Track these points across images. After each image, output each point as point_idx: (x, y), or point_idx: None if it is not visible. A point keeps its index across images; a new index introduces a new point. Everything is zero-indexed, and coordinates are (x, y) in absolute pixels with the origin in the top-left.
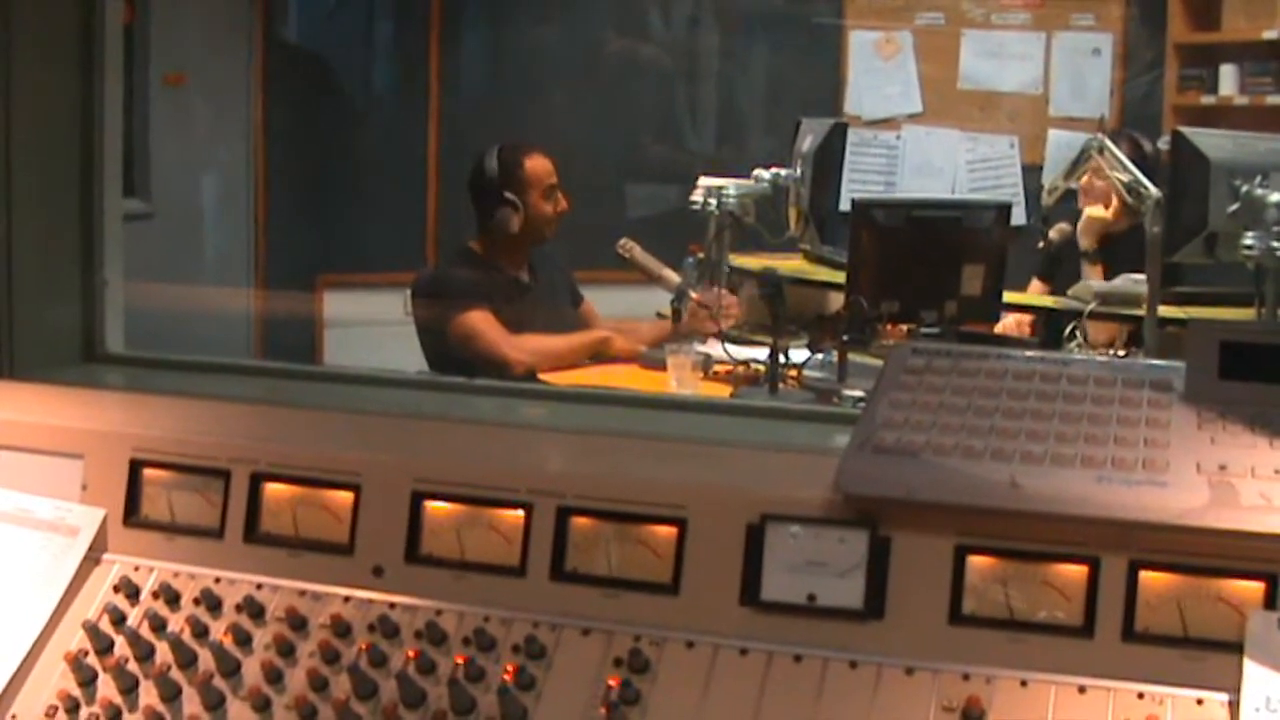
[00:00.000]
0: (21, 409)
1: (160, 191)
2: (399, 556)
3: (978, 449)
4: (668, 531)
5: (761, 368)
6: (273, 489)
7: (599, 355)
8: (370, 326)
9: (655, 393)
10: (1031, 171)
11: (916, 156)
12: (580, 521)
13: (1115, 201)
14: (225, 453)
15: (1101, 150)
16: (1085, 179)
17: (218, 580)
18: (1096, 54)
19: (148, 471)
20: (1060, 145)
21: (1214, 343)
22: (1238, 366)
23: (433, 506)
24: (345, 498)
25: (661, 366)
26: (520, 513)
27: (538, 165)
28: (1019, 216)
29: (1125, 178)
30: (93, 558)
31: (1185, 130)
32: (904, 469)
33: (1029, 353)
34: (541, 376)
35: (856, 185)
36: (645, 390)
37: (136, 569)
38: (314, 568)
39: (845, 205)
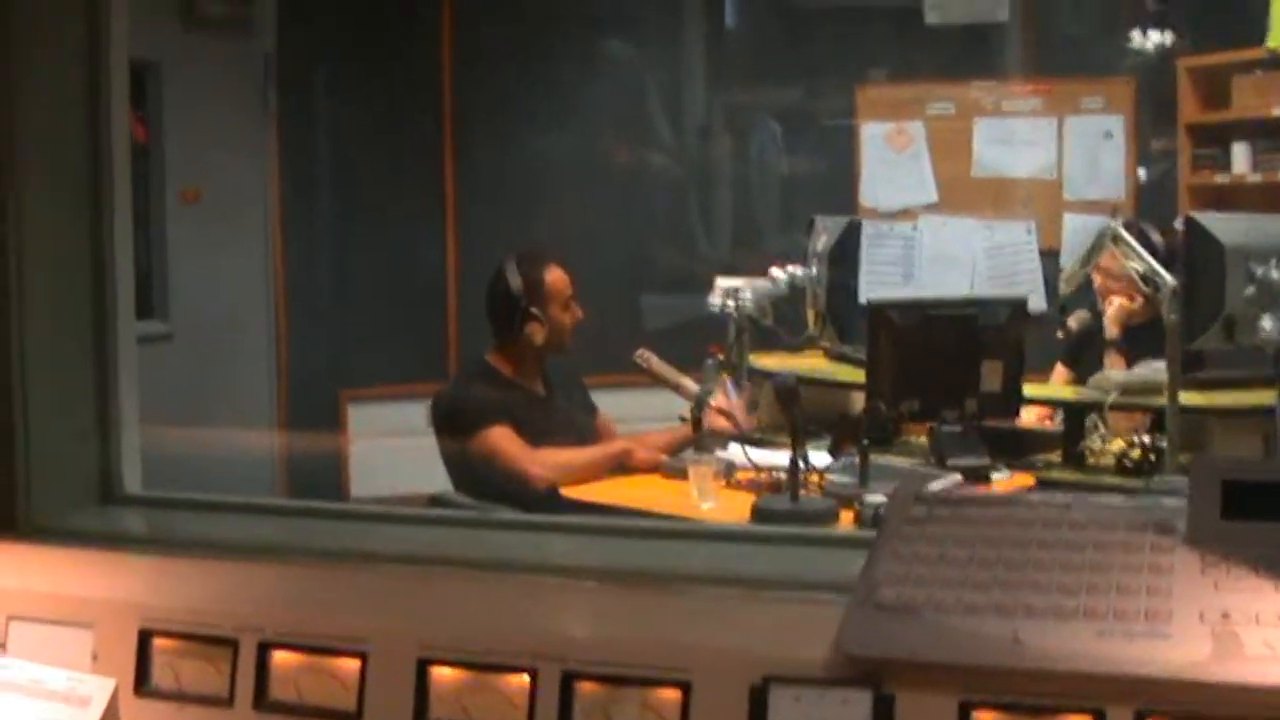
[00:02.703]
0: (32, 576)
1: (179, 311)
2: None
3: (980, 604)
4: (672, 695)
5: (783, 474)
6: (281, 657)
7: (620, 467)
8: (394, 438)
9: (666, 522)
10: (1049, 257)
11: (934, 246)
12: (585, 686)
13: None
14: (233, 621)
15: (1115, 240)
16: (1099, 278)
17: None
18: (1108, 136)
19: (157, 641)
20: (1077, 229)
21: (1216, 481)
22: (1241, 506)
23: (439, 673)
24: (352, 665)
25: (683, 476)
26: (525, 677)
27: (557, 277)
28: (1038, 302)
29: (1140, 267)
30: None
31: (1198, 215)
32: (905, 627)
33: (1032, 497)
34: (564, 490)
35: (874, 278)
36: (656, 518)
37: None
38: None
39: (864, 299)
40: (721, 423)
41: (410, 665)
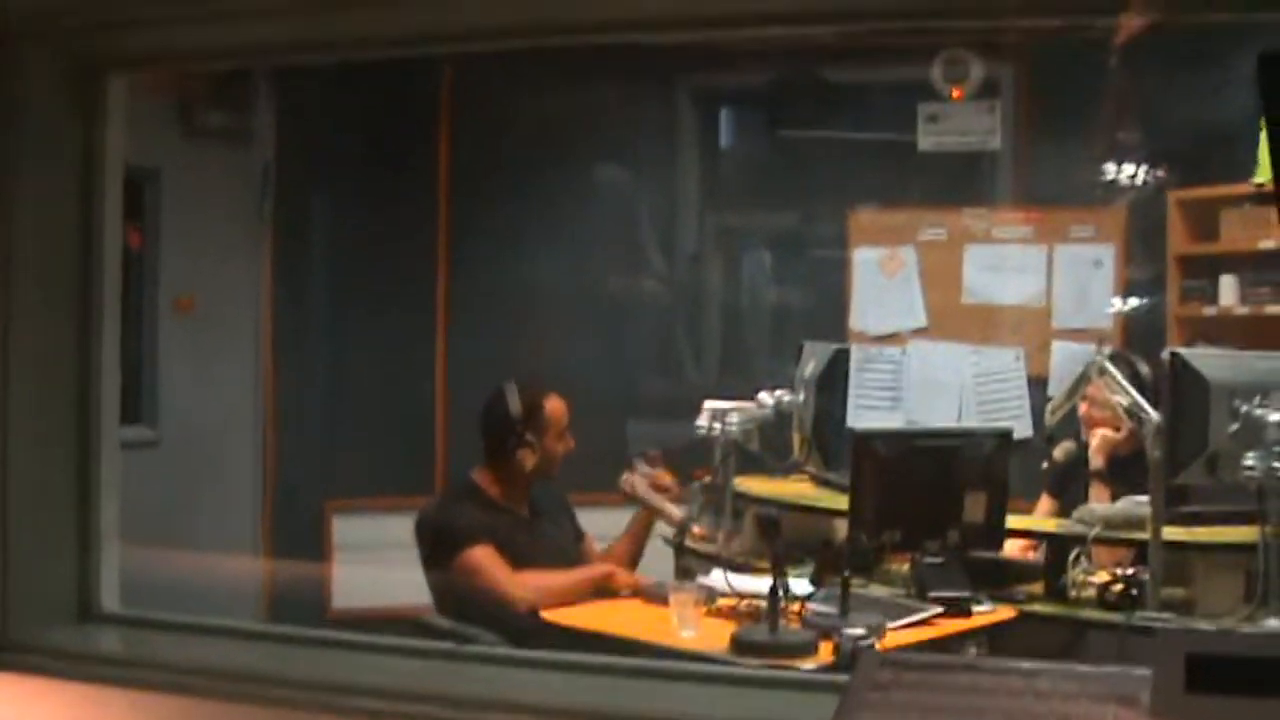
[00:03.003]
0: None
1: (167, 417)
2: None
3: None
4: None
5: (764, 602)
6: None
7: (602, 591)
8: (378, 550)
9: (643, 661)
10: (1037, 384)
11: (922, 371)
12: None
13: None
14: None
15: (1101, 373)
16: (1085, 403)
17: None
18: (1098, 265)
19: None
20: (1065, 357)
21: (1180, 654)
22: (1205, 680)
23: None
24: None
25: (664, 602)
26: None
27: (555, 408)
28: (1025, 429)
29: (1125, 401)
30: None
31: (1183, 351)
32: None
33: (998, 663)
34: (545, 614)
35: (862, 401)
36: (635, 647)
37: None
38: None
39: (851, 423)
40: (654, 497)
41: None
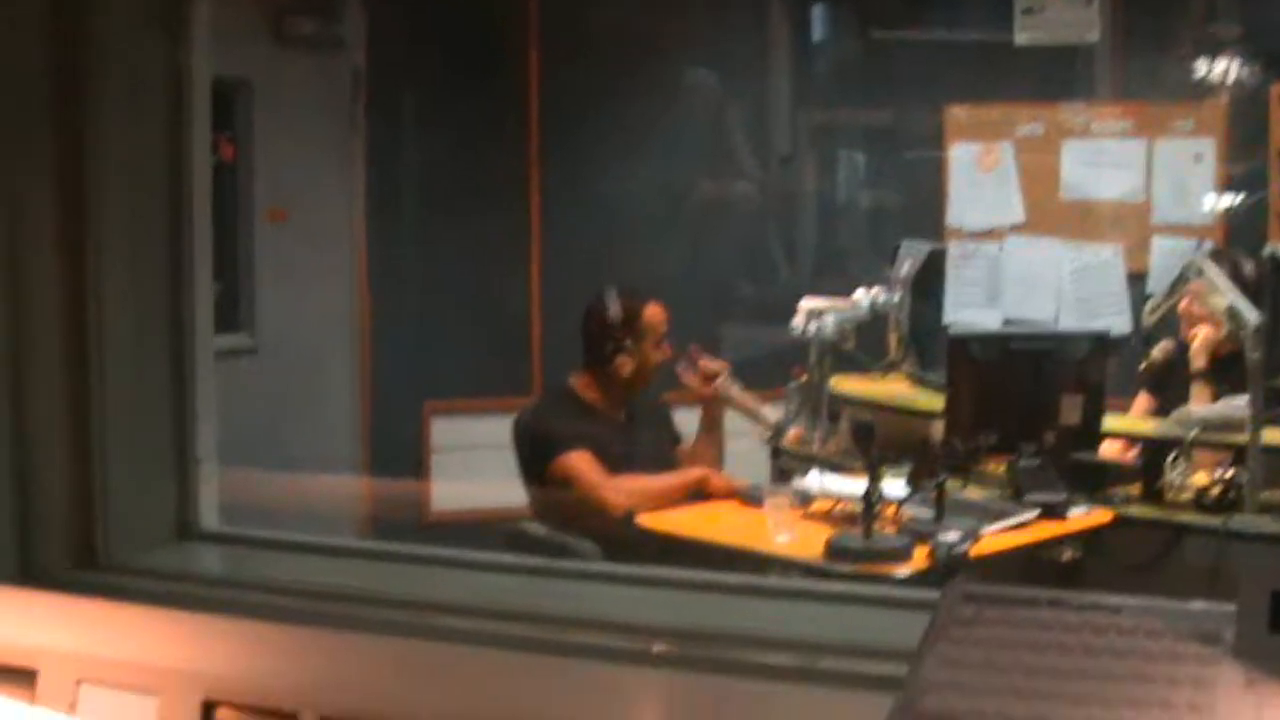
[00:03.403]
0: (102, 637)
1: (264, 325)
2: None
3: (1019, 717)
4: None
5: (858, 507)
6: None
7: (697, 494)
8: (477, 450)
9: (727, 576)
10: (1136, 280)
11: (1019, 267)
12: None
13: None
14: (294, 697)
15: (1200, 272)
16: (1185, 301)
17: None
18: (1198, 160)
19: (220, 712)
20: (1164, 253)
21: (1265, 591)
22: None
23: None
24: None
25: (759, 505)
26: None
27: (655, 315)
28: (1123, 325)
29: (1225, 301)
30: None
31: None
32: None
33: (1080, 598)
34: (640, 518)
35: (959, 298)
36: (726, 553)
37: None
38: None
39: (948, 319)
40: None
41: None
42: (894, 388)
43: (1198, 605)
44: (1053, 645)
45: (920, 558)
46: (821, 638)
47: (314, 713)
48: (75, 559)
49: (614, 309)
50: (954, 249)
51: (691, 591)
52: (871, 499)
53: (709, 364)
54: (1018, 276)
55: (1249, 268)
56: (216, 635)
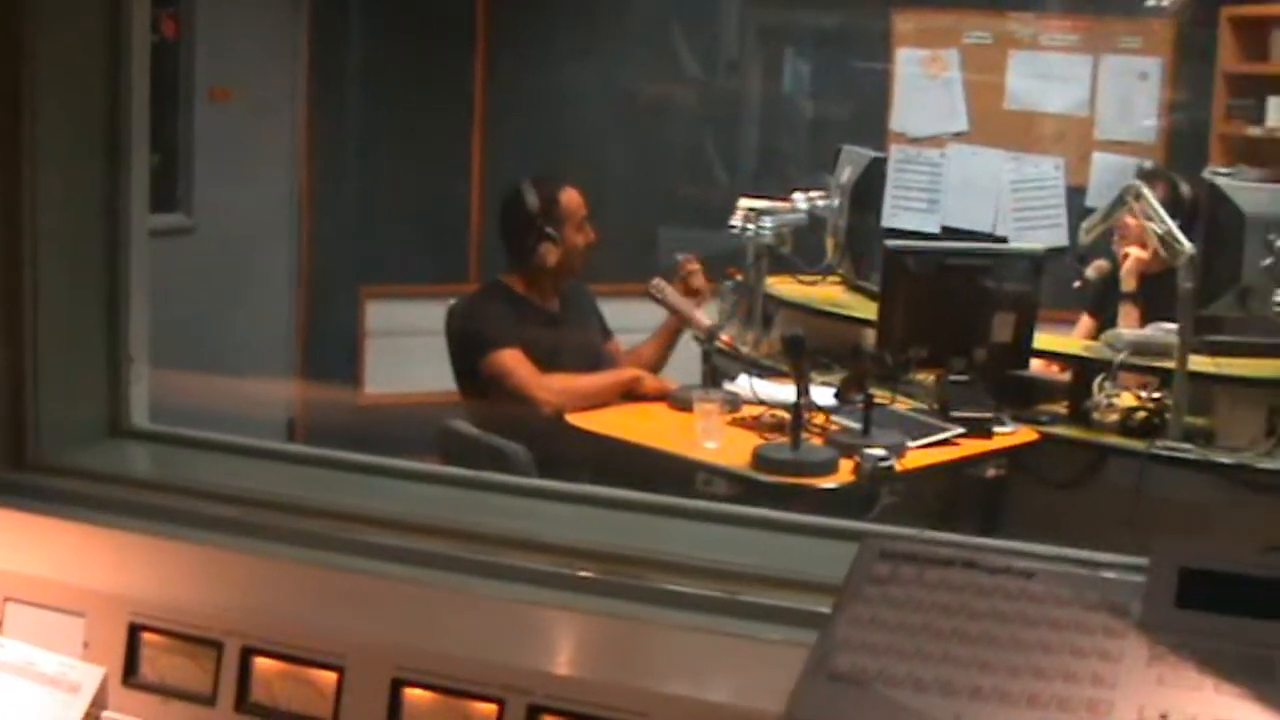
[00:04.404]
0: (29, 555)
1: (203, 205)
2: None
3: (928, 681)
4: None
5: (787, 414)
6: (262, 663)
7: (629, 394)
8: (412, 336)
9: (655, 497)
10: (1075, 193)
11: (960, 175)
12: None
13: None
14: (219, 624)
15: (1138, 197)
16: (1121, 222)
17: None
18: (1144, 78)
19: (146, 635)
20: (1105, 168)
21: (1174, 568)
22: (1196, 596)
23: (412, 694)
24: (330, 677)
25: (689, 408)
26: (494, 706)
27: (572, 199)
28: (1060, 238)
29: (1160, 228)
30: (93, 715)
31: (1221, 183)
32: (854, 702)
33: (998, 561)
34: (571, 417)
35: (899, 203)
36: (655, 455)
37: None
38: None
39: (886, 223)
40: (683, 302)
41: (385, 684)
42: (829, 292)
43: (1109, 575)
44: (964, 609)
45: (846, 471)
46: (748, 567)
47: (238, 642)
48: (3, 457)
49: (530, 198)
50: (896, 153)
51: (621, 512)
52: (800, 411)
53: (696, 279)
54: (958, 184)
55: (1186, 190)
56: (144, 554)
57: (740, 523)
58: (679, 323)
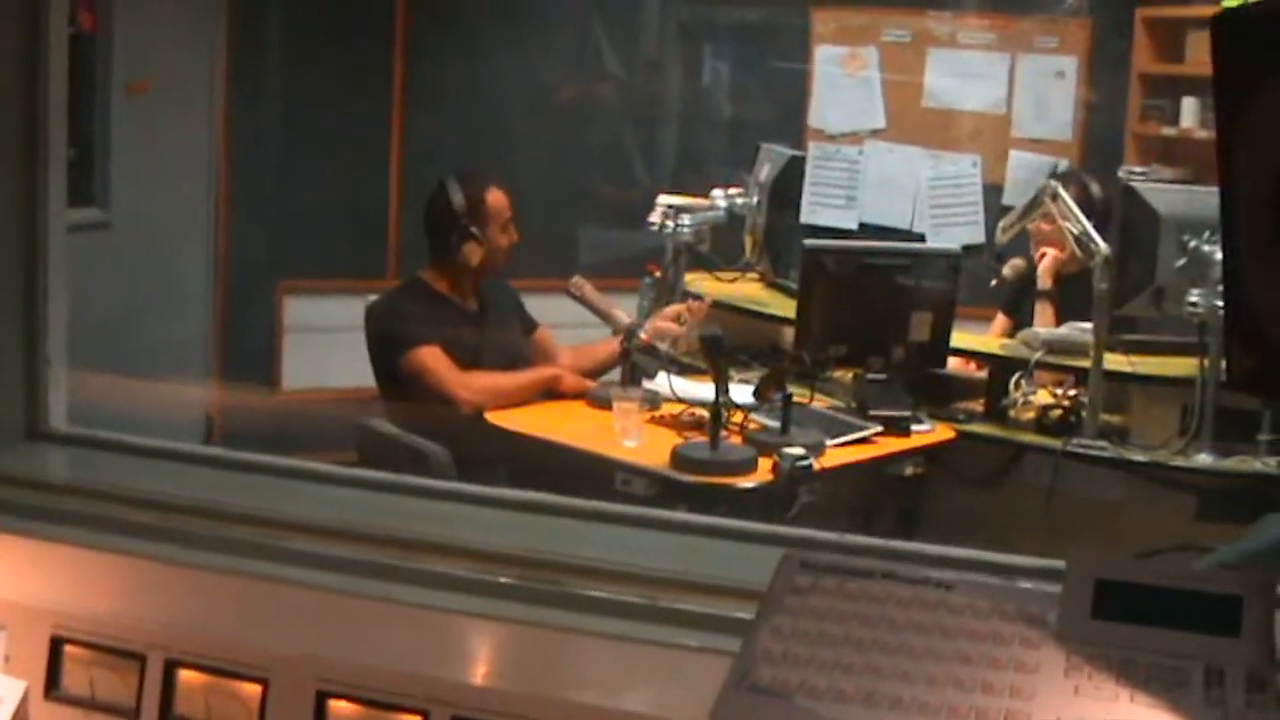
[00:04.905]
0: None
1: (120, 199)
2: None
3: (850, 692)
4: None
5: (706, 412)
6: (186, 676)
7: (549, 393)
8: (330, 332)
9: (577, 501)
10: (992, 191)
11: (878, 172)
12: None
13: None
14: (141, 637)
15: (1054, 198)
16: (1037, 222)
17: None
18: (1060, 77)
19: (68, 648)
20: (1022, 166)
21: (1089, 579)
22: (1112, 607)
23: (336, 705)
24: (254, 690)
25: (609, 406)
26: (418, 718)
27: (497, 198)
28: (977, 235)
29: (1076, 229)
30: None
31: (1137, 185)
32: (775, 715)
33: (916, 572)
34: (490, 416)
35: (818, 199)
36: (577, 455)
37: None
38: None
39: (804, 219)
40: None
41: (310, 696)
42: (747, 289)
43: (1025, 585)
44: (885, 620)
45: (766, 470)
46: (668, 572)
47: (161, 655)
48: None
49: (456, 196)
50: (814, 150)
51: (541, 515)
52: (720, 411)
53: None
54: (876, 181)
55: (1098, 190)
56: (65, 564)
57: (661, 526)
58: (618, 349)
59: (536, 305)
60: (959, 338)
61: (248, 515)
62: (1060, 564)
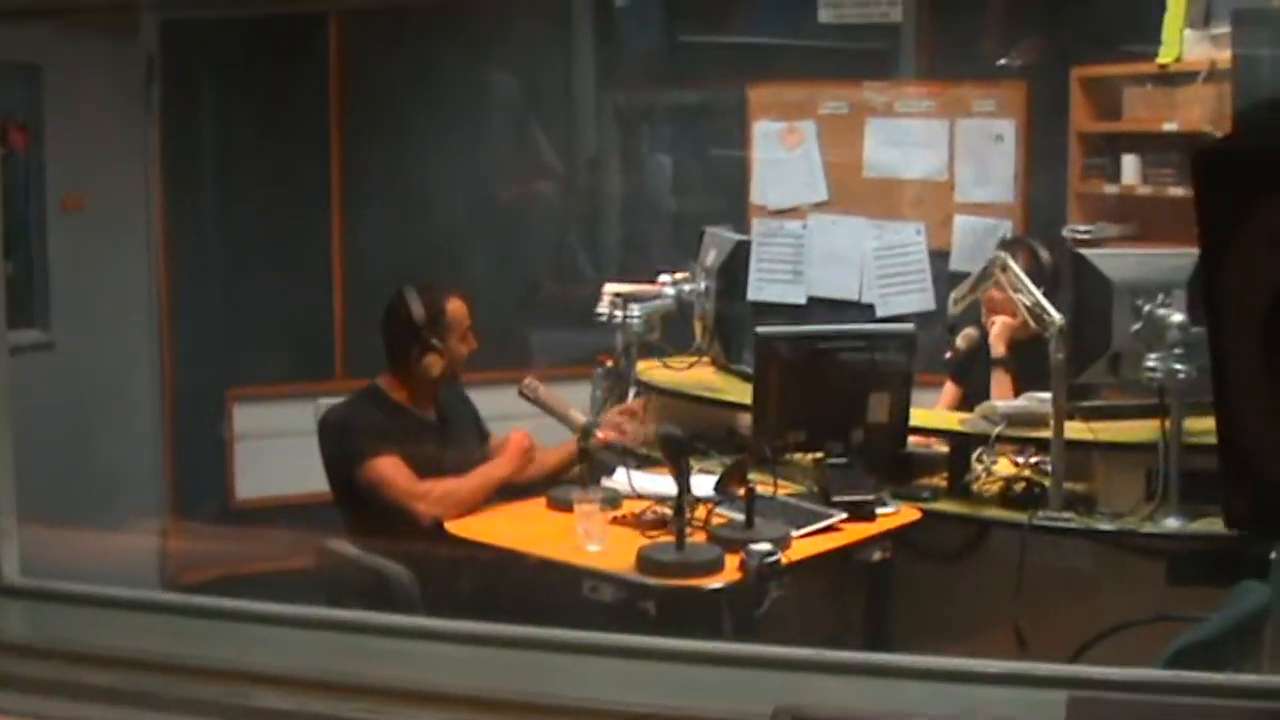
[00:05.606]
0: None
1: (61, 318)
2: None
3: None
4: None
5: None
6: None
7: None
8: (281, 438)
9: (542, 631)
10: (939, 257)
11: (824, 245)
12: None
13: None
14: None
15: (1004, 269)
16: (988, 295)
17: None
18: (999, 140)
19: None
20: (967, 231)
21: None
22: None
23: None
24: None
25: (569, 508)
26: None
27: (457, 308)
28: (927, 303)
29: (1029, 300)
30: None
31: (1087, 253)
32: None
33: None
34: (449, 525)
35: (764, 276)
36: (542, 563)
37: None
38: None
39: (752, 298)
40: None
41: None
42: (701, 375)
43: None
44: None
45: (733, 568)
46: (652, 706)
47: None
48: None
49: (416, 308)
50: (758, 226)
51: (513, 650)
52: (683, 510)
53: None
54: (822, 254)
55: (1046, 256)
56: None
57: (642, 655)
58: (581, 462)
59: (490, 399)
60: (917, 415)
61: (212, 669)
62: None
